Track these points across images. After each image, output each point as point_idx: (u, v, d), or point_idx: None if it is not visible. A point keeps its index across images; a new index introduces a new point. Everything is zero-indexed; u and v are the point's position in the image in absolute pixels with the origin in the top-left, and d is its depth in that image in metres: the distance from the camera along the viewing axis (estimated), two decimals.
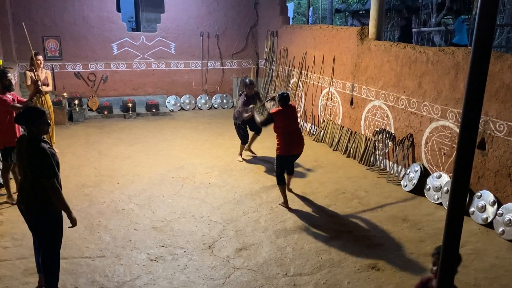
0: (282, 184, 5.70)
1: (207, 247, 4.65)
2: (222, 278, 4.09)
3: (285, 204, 5.69)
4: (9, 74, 5.49)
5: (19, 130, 5.64)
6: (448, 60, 5.80)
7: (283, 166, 5.70)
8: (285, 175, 5.85)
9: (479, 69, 1.95)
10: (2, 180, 5.77)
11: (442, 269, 2.23)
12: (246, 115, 6.78)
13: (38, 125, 3.45)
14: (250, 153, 7.83)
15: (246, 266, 4.31)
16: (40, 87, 6.27)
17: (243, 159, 7.60)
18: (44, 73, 7.56)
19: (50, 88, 7.54)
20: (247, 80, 7.41)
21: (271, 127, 5.77)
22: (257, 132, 7.55)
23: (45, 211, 3.55)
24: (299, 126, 5.94)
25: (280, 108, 5.65)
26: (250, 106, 6.67)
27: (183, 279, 4.07)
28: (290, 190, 6.13)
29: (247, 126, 7.46)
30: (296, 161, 7.47)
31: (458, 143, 2.04)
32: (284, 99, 5.64)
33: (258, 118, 5.98)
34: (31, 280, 3.99)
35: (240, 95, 7.54)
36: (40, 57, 7.41)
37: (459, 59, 5.64)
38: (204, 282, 4.03)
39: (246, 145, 7.69)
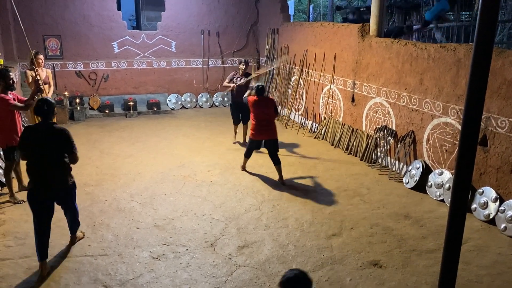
0: (246, 157, 6.80)
1: (209, 245, 4.65)
2: (225, 276, 4.10)
3: (242, 167, 6.86)
4: (11, 73, 5.49)
5: (20, 130, 5.64)
6: (450, 57, 5.79)
7: (252, 146, 6.70)
8: (275, 167, 6.54)
9: (481, 66, 1.95)
10: (4, 179, 5.77)
11: (444, 265, 2.23)
12: (231, 85, 8.08)
13: (53, 113, 4.18)
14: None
15: (248, 263, 4.31)
16: (41, 86, 6.27)
17: (238, 141, 8.44)
18: (44, 72, 7.57)
19: (52, 89, 7.55)
20: (242, 59, 8.40)
21: None
22: (244, 121, 8.32)
23: (73, 181, 4.32)
24: (271, 117, 6.50)
25: (255, 97, 6.47)
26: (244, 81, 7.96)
27: (186, 277, 4.08)
28: (283, 183, 6.42)
29: (240, 113, 8.28)
30: (297, 158, 7.48)
31: (460, 140, 2.04)
32: (258, 90, 6.49)
33: (247, 94, 7.09)
34: (34, 279, 4.00)
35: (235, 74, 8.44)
36: (41, 56, 7.41)
37: (460, 55, 5.63)
38: (207, 280, 4.04)
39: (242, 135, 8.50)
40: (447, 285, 2.21)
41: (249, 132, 6.75)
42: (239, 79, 8.12)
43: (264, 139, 6.57)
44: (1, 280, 3.96)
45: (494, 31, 1.92)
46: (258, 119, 6.45)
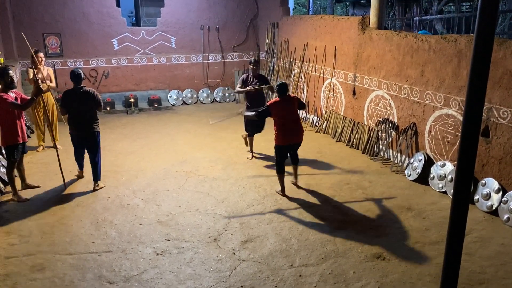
0: (280, 173, 5.77)
1: (213, 240, 4.67)
2: (228, 271, 4.11)
3: (282, 192, 5.77)
4: (10, 72, 5.48)
5: (21, 128, 5.63)
6: (451, 48, 5.76)
7: (282, 155, 5.77)
8: (292, 166, 5.99)
9: (482, 56, 1.94)
10: (7, 177, 5.78)
11: (447, 257, 2.23)
12: (244, 89, 7.10)
13: (82, 80, 5.95)
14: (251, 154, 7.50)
15: (251, 258, 4.33)
16: (41, 86, 6.25)
17: (253, 156, 7.34)
18: (46, 70, 7.56)
19: (53, 84, 7.53)
20: (251, 59, 7.39)
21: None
22: (251, 134, 7.29)
23: (99, 130, 6.07)
24: (298, 116, 5.88)
25: (277, 99, 5.74)
26: (249, 88, 7.02)
27: (189, 272, 4.09)
28: (296, 184, 6.06)
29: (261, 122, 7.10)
30: (299, 153, 7.46)
31: (462, 131, 2.03)
32: (280, 89, 5.69)
33: (250, 114, 6.01)
34: (39, 276, 4.02)
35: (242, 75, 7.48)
36: (41, 54, 7.39)
37: (461, 46, 5.60)
38: (210, 274, 4.06)
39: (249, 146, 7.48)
40: (450, 277, 2.22)
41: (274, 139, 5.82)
42: (256, 82, 7.08)
43: (292, 143, 5.77)
44: (6, 278, 3.98)
45: (495, 22, 1.91)
46: (284, 122, 5.65)
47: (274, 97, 5.89)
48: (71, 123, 5.93)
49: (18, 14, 10.09)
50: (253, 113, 5.92)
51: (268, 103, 5.81)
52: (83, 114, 5.85)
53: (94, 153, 6.03)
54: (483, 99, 1.99)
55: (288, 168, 6.04)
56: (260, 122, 6.98)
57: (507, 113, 5.05)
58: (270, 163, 7.03)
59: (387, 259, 4.28)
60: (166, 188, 6.07)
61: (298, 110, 5.90)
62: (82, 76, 5.90)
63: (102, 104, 6.14)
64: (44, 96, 6.86)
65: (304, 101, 9.90)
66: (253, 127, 7.18)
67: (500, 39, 5.24)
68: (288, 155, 5.94)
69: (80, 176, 6.43)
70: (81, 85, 5.89)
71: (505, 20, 14.51)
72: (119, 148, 7.91)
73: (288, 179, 6.04)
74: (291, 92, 10.35)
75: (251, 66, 7.17)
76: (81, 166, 6.37)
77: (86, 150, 6.12)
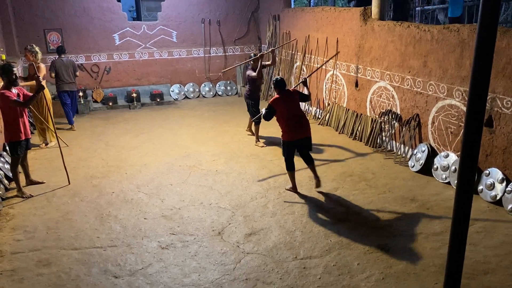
0: (291, 170, 5.63)
1: (217, 233, 4.68)
2: (233, 263, 4.13)
3: (294, 189, 5.67)
4: (14, 69, 5.49)
5: (24, 125, 5.64)
6: (453, 38, 5.72)
7: (290, 152, 5.57)
8: (309, 168, 5.69)
9: (486, 46, 1.93)
10: (11, 174, 5.81)
11: (451, 247, 2.23)
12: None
13: (65, 52, 8.87)
14: (250, 133, 8.20)
15: (256, 250, 4.34)
16: (42, 82, 6.26)
17: (264, 144, 7.63)
18: (43, 67, 7.52)
19: (42, 71, 7.46)
20: (251, 54, 8.06)
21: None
22: (257, 122, 7.50)
23: (78, 88, 9.37)
24: (301, 110, 5.68)
25: (277, 96, 5.57)
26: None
27: (194, 266, 4.11)
28: (318, 184, 5.61)
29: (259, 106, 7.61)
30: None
31: (465, 121, 2.02)
32: (278, 85, 5.60)
33: (256, 116, 6.85)
34: (45, 271, 4.05)
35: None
36: (32, 49, 7.33)
37: (464, 36, 5.56)
38: (215, 267, 4.08)
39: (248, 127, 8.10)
40: (455, 267, 2.22)
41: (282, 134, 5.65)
42: (251, 69, 7.65)
43: (301, 137, 5.52)
44: (12, 273, 4.02)
45: (498, 11, 1.89)
46: (289, 117, 5.46)
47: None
48: (58, 85, 8.68)
49: (19, 10, 10.08)
50: (260, 114, 5.93)
51: (269, 102, 5.56)
52: (65, 75, 8.63)
53: (74, 103, 9.07)
54: (487, 89, 1.98)
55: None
56: (255, 108, 7.68)
57: (510, 103, 5.02)
58: (273, 156, 7.03)
59: (391, 250, 4.28)
60: (170, 183, 6.09)
61: (302, 103, 5.80)
62: (63, 50, 8.76)
63: (78, 69, 9.05)
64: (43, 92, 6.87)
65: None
66: (251, 113, 7.82)
67: (504, 28, 5.19)
68: (301, 156, 5.68)
69: (72, 129, 8.86)
70: (64, 56, 8.74)
71: (508, 9, 14.38)
72: (122, 143, 7.92)
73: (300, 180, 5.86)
74: (293, 84, 10.32)
75: (252, 62, 7.81)
76: (69, 119, 8.84)
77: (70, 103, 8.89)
